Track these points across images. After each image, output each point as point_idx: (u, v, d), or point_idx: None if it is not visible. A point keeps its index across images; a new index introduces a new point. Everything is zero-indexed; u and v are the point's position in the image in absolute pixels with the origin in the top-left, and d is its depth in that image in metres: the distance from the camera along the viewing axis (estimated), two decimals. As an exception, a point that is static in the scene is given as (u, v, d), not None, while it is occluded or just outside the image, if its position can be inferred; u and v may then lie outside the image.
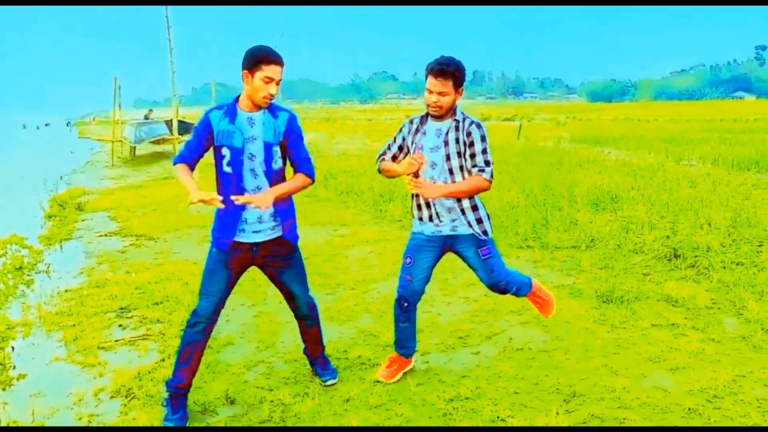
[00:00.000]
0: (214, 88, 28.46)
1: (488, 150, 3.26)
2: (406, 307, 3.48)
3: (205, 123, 3.06)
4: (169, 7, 20.89)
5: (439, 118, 3.30)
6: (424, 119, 3.37)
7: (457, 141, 3.26)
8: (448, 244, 3.41)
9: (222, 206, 2.92)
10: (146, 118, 26.98)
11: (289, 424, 3.14)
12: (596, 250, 6.21)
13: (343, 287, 5.39)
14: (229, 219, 3.09)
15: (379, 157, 3.49)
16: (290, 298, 3.40)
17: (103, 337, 4.44)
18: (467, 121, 3.28)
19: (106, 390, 3.62)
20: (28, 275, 6.26)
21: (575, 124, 32.24)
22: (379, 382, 3.57)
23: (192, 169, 3.08)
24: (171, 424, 3.13)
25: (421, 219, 3.41)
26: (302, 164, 3.17)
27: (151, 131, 22.04)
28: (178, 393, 3.19)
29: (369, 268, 6.00)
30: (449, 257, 3.65)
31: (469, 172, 3.26)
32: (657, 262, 5.73)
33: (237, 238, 3.11)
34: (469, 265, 3.46)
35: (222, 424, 3.12)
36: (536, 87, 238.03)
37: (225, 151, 3.05)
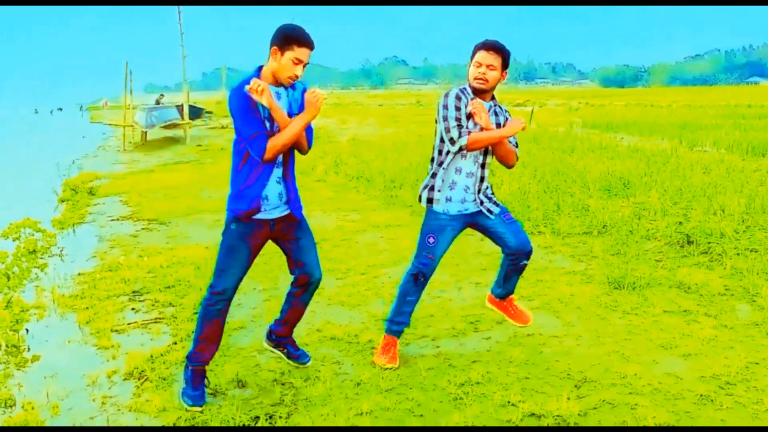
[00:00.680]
0: (224, 73, 28.49)
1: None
2: (422, 282, 3.55)
3: (249, 98, 2.95)
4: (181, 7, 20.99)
5: (481, 94, 3.34)
6: (466, 95, 3.36)
7: (498, 126, 3.40)
8: (469, 221, 3.52)
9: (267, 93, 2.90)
10: (157, 102, 27.05)
11: (300, 407, 3.16)
12: (608, 236, 6.18)
13: (354, 272, 5.40)
14: (251, 192, 3.08)
15: (459, 133, 3.29)
16: (302, 267, 3.33)
17: (116, 320, 4.48)
18: (503, 109, 3.46)
19: (119, 372, 3.65)
20: (41, 258, 6.32)
21: (587, 110, 31.96)
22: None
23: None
24: (190, 402, 3.17)
25: (448, 199, 3.44)
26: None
27: (162, 116, 22.08)
28: (199, 368, 3.24)
29: (379, 253, 6.00)
30: (458, 242, 3.64)
31: None
32: (669, 249, 5.69)
33: (258, 216, 3.12)
34: (495, 234, 3.55)
35: (233, 407, 3.14)
36: (548, 72, 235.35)
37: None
